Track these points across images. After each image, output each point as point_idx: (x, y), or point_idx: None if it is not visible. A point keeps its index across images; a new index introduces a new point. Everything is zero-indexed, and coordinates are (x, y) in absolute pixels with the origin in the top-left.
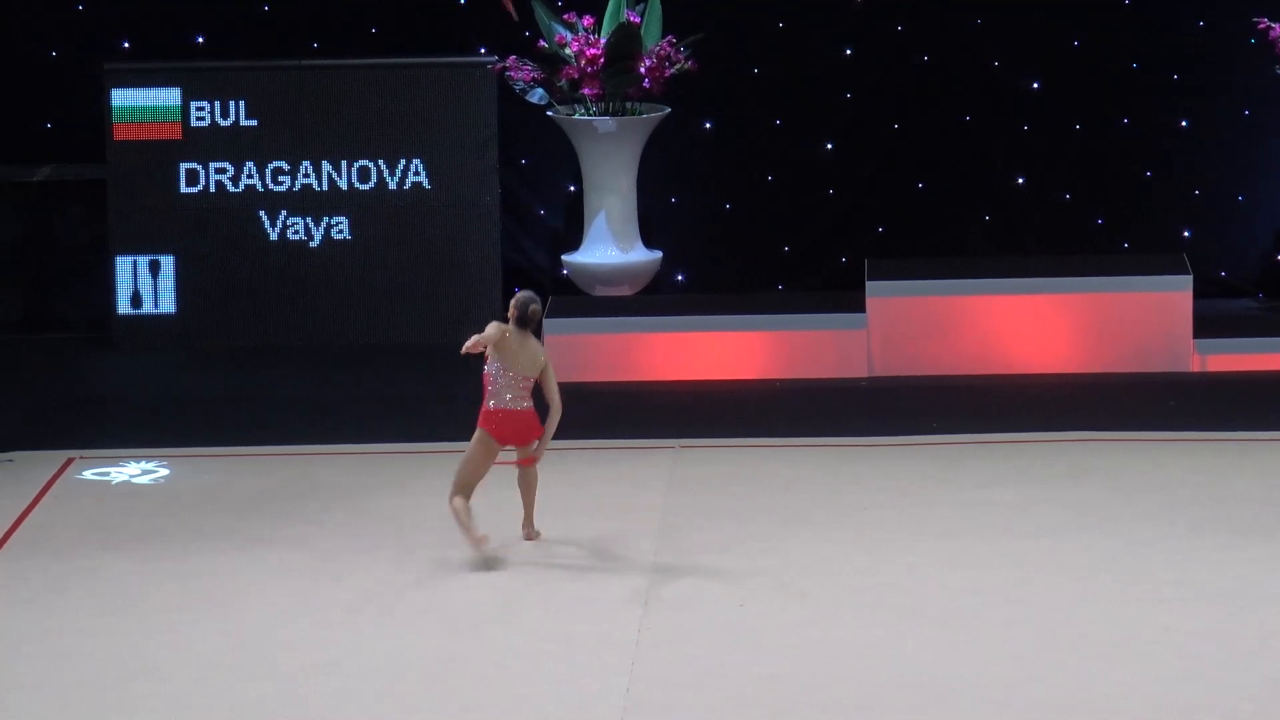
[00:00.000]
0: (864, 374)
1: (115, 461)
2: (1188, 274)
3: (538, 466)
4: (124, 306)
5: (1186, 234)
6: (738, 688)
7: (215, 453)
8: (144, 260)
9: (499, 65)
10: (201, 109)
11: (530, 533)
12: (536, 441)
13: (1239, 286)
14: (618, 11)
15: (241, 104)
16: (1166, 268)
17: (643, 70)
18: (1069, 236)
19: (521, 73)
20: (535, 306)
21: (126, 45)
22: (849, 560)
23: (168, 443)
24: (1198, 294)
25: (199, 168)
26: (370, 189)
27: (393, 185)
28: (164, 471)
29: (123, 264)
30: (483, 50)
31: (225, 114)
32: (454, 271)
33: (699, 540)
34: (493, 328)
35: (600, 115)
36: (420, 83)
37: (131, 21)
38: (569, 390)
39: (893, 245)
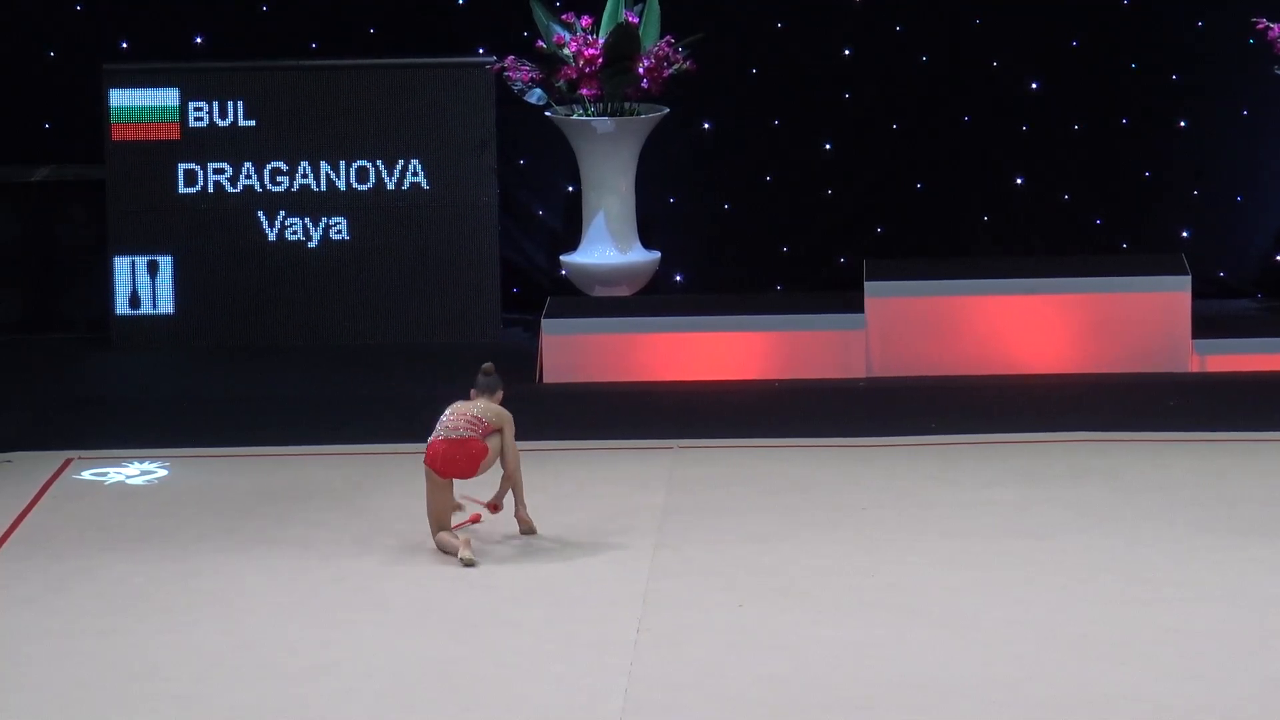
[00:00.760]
0: (863, 374)
1: (115, 462)
2: (1187, 274)
3: (515, 465)
4: (122, 307)
5: (1185, 234)
6: (738, 688)
7: (215, 453)
8: (142, 261)
9: (497, 65)
10: (200, 109)
11: (524, 517)
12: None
13: (1238, 287)
14: (616, 11)
15: (240, 104)
16: (1165, 268)
17: (641, 70)
18: (1068, 236)
19: (520, 73)
20: (487, 365)
21: (125, 45)
22: (849, 560)
23: (167, 443)
24: (1197, 294)
25: (197, 168)
26: (369, 189)
27: (391, 186)
28: (163, 472)
29: (121, 264)
30: (481, 51)
31: (224, 114)
32: (452, 272)
33: (699, 541)
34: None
35: (599, 115)
36: (419, 83)
37: (130, 22)
38: (569, 390)
39: (892, 245)
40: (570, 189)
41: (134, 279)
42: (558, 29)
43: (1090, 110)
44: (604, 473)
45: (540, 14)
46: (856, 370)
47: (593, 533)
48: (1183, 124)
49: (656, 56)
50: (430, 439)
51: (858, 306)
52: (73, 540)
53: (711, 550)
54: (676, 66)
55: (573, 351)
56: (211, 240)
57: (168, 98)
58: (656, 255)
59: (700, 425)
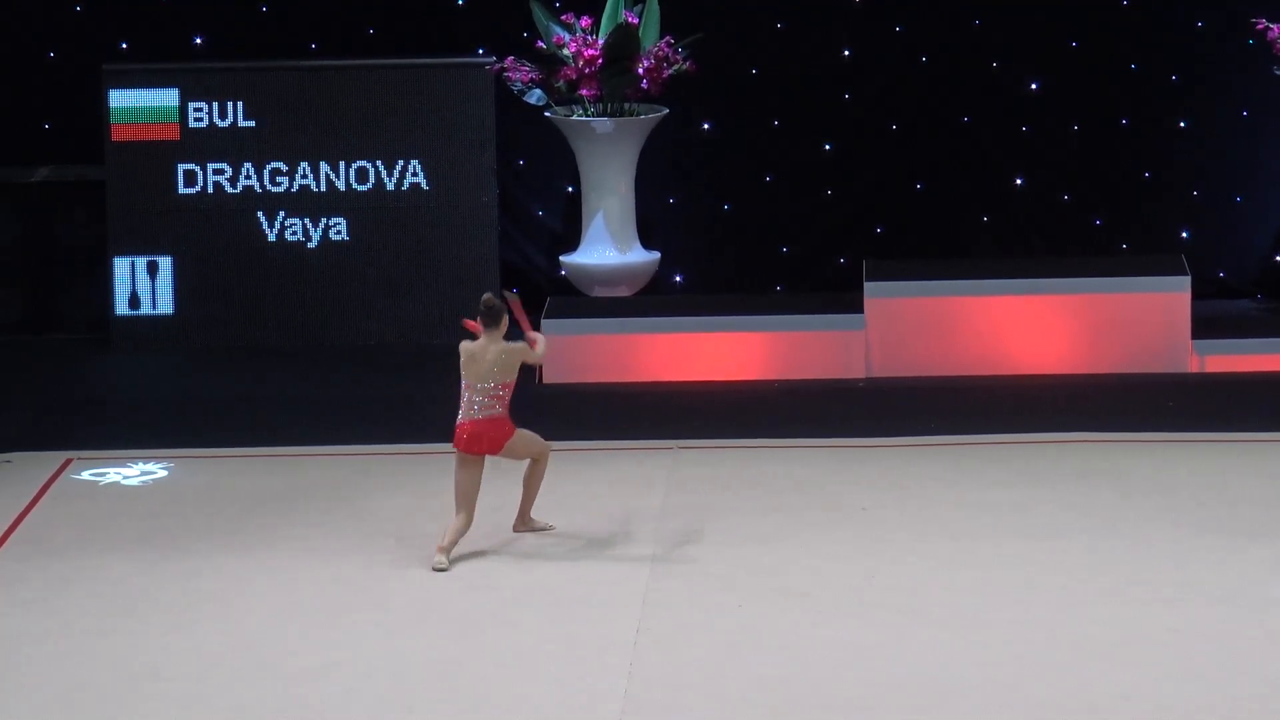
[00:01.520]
0: (862, 375)
1: (114, 462)
2: (1186, 275)
3: (546, 466)
4: (122, 307)
5: (1185, 234)
6: (737, 688)
7: (215, 453)
8: (142, 261)
9: (497, 66)
10: (199, 110)
11: (522, 525)
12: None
13: (1237, 287)
14: (615, 12)
15: (239, 105)
16: (1165, 268)
17: (641, 71)
18: (1068, 237)
19: (519, 73)
20: (486, 296)
21: (125, 46)
22: (849, 561)
23: (167, 443)
24: (1196, 295)
25: (197, 169)
26: (368, 190)
27: (390, 186)
28: (163, 472)
29: (121, 265)
30: (481, 51)
31: (223, 115)
32: (452, 272)
33: (699, 541)
34: (461, 348)
35: (598, 116)
36: (418, 83)
37: (130, 22)
38: (569, 390)
39: (891, 246)
40: (570, 189)
41: (134, 279)
42: (557, 29)
43: (1090, 110)
44: (604, 473)
45: (540, 14)
46: (856, 371)
47: (593, 533)
48: (1183, 124)
49: (656, 57)
50: (459, 421)
51: (857, 307)
52: (73, 540)
53: (711, 551)
54: (676, 67)
55: (572, 351)
56: (211, 241)
57: (167, 98)
58: (656, 255)
59: (700, 425)
